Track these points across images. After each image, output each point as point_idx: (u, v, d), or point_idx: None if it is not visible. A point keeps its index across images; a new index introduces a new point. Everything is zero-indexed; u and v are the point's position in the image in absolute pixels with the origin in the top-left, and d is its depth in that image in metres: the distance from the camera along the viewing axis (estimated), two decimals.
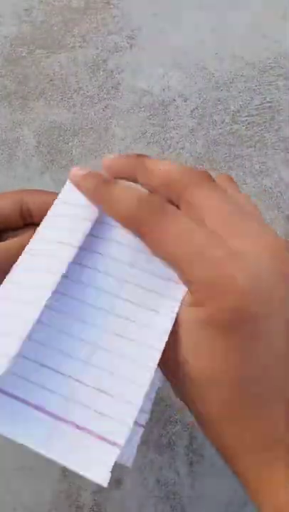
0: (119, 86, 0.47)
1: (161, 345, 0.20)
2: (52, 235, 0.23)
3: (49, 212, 0.24)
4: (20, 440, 0.19)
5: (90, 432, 0.20)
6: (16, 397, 0.21)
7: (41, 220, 0.24)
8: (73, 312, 0.22)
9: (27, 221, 0.25)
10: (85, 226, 0.23)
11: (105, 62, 0.47)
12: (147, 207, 0.20)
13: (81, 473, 0.19)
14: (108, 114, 0.46)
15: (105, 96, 0.47)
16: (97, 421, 0.20)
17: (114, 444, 0.19)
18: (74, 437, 0.20)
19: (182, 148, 0.46)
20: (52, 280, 0.21)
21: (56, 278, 0.21)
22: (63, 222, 0.23)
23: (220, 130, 0.46)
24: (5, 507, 0.42)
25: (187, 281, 0.19)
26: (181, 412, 0.42)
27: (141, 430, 0.23)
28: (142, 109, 0.46)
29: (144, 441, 0.42)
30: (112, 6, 0.48)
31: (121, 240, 0.23)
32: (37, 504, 0.42)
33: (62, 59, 0.47)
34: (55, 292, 0.21)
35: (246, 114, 0.46)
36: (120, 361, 0.21)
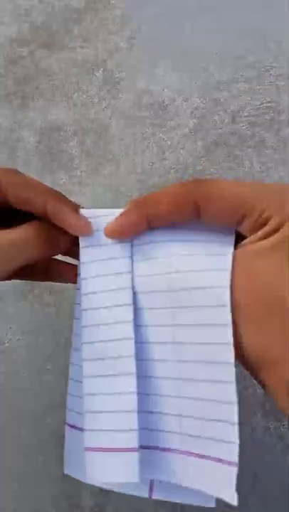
0: (119, 86, 0.47)
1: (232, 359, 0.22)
2: (101, 301, 0.24)
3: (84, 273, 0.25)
4: (160, 478, 0.23)
5: (208, 457, 0.22)
6: (148, 447, 0.24)
7: (15, 200, 0.25)
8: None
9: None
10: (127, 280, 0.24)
11: (105, 62, 0.47)
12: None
13: (214, 495, 0.22)
14: (108, 114, 0.46)
15: (105, 96, 0.47)
16: (210, 446, 0.22)
17: (230, 463, 0.21)
18: (199, 464, 0.22)
19: (182, 148, 0.46)
20: (129, 345, 0.23)
21: (131, 341, 0.23)
22: (104, 283, 0.25)
23: (220, 130, 0.46)
24: (5, 507, 0.42)
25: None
26: None
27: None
28: (142, 109, 0.46)
29: None
30: (112, 6, 0.48)
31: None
32: (37, 504, 0.42)
33: (62, 59, 0.47)
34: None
35: (246, 114, 0.46)
36: (204, 387, 0.22)
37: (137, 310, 0.24)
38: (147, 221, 0.23)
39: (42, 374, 0.44)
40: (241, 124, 0.46)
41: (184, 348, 0.23)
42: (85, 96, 0.47)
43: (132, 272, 0.24)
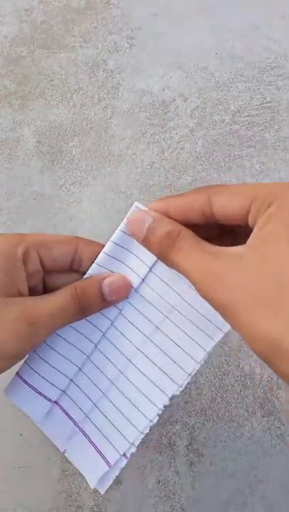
0: (119, 86, 0.47)
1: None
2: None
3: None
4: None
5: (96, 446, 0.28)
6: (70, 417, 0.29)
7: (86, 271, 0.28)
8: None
9: (73, 268, 0.27)
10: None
11: (105, 62, 0.47)
12: None
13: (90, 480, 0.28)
14: (108, 114, 0.46)
15: (105, 96, 0.47)
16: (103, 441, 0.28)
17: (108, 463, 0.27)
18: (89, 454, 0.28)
19: (182, 148, 0.46)
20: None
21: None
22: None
23: (220, 130, 0.46)
24: (5, 507, 0.42)
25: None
26: (181, 412, 0.42)
27: (124, 461, 0.28)
28: (142, 109, 0.46)
29: (144, 441, 0.42)
30: (112, 6, 0.48)
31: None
32: (37, 504, 0.42)
33: (62, 59, 0.47)
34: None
35: (246, 114, 0.46)
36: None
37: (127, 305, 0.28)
38: (166, 210, 0.25)
39: None
40: (241, 124, 0.46)
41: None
42: (85, 96, 0.47)
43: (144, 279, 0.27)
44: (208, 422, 0.42)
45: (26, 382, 0.28)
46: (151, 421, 0.27)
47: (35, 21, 0.48)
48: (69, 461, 0.43)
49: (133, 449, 0.27)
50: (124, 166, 0.46)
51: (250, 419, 0.42)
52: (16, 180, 0.46)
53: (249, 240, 0.22)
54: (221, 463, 0.42)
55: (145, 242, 0.25)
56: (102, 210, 0.45)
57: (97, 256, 0.27)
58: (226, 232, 0.27)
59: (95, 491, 0.42)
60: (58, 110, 0.47)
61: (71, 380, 0.28)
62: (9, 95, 0.47)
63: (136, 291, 0.27)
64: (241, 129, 0.46)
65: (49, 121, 0.46)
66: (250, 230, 0.23)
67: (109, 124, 0.46)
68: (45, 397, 0.28)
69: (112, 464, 0.27)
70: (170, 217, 0.25)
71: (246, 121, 0.46)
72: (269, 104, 0.46)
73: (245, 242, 0.23)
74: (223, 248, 0.23)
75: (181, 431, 0.42)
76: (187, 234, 0.24)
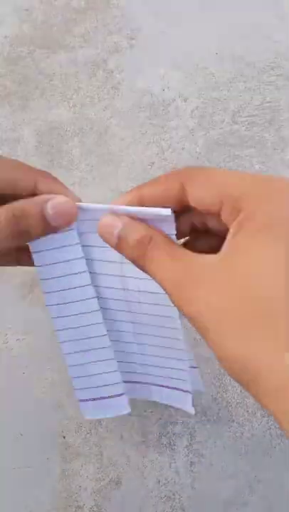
0: (119, 86, 0.47)
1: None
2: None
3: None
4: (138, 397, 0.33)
5: (169, 387, 0.32)
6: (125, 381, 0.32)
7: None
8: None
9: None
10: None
11: (105, 62, 0.47)
12: None
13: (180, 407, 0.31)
14: (108, 114, 0.46)
15: (105, 96, 0.47)
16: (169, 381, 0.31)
17: (185, 391, 0.31)
18: (164, 391, 0.32)
19: (182, 148, 0.46)
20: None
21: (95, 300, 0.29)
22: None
23: (220, 130, 0.46)
24: (5, 507, 0.42)
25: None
26: (181, 412, 0.42)
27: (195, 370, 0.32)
28: (142, 109, 0.46)
29: (144, 441, 0.42)
30: (112, 6, 0.48)
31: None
32: (37, 504, 0.42)
33: (63, 59, 0.47)
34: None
35: (246, 114, 0.46)
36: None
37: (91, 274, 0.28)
38: (140, 200, 0.24)
39: (42, 374, 0.44)
40: (241, 124, 0.46)
41: (138, 296, 0.28)
42: (85, 96, 0.47)
43: (83, 257, 0.27)
44: (208, 422, 0.42)
45: (93, 399, 0.30)
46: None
47: (35, 21, 0.48)
48: (69, 461, 0.43)
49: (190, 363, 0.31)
50: (124, 166, 0.46)
51: (251, 419, 0.42)
52: None
53: (222, 248, 0.21)
54: (221, 463, 0.42)
55: (117, 249, 0.24)
56: None
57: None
58: (196, 228, 0.25)
59: (95, 491, 0.42)
60: (57, 110, 0.47)
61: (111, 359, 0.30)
62: (9, 95, 0.47)
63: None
64: (241, 129, 0.46)
65: (49, 121, 0.46)
66: (221, 225, 0.22)
67: (109, 124, 0.46)
68: (116, 395, 0.30)
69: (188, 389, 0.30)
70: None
71: (246, 121, 0.46)
72: (269, 104, 0.46)
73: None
74: (195, 256, 0.21)
75: (181, 431, 0.42)
76: (158, 239, 0.23)
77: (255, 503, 0.42)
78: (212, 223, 0.24)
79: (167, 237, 0.23)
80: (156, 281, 0.22)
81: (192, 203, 0.22)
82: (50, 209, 0.23)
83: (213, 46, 0.47)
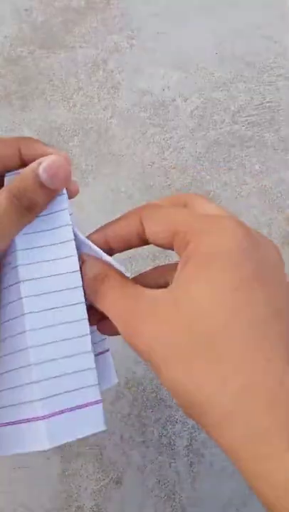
0: (119, 86, 0.47)
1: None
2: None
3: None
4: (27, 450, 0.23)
5: (71, 409, 0.22)
6: (15, 422, 0.23)
7: None
8: None
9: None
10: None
11: (105, 62, 0.47)
12: None
13: (84, 435, 0.22)
14: (108, 114, 0.46)
15: (105, 96, 0.47)
16: (68, 398, 0.22)
17: (96, 402, 0.23)
18: (69, 417, 0.22)
19: (182, 148, 0.46)
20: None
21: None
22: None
23: (220, 130, 0.46)
24: (5, 507, 0.42)
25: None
26: (181, 411, 0.42)
27: (108, 354, 0.25)
28: (142, 109, 0.46)
29: (144, 441, 0.42)
30: (112, 6, 0.48)
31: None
32: (37, 504, 0.42)
33: (62, 59, 0.47)
34: None
35: (246, 114, 0.46)
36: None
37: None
38: (106, 241, 0.24)
39: None
40: (241, 124, 0.46)
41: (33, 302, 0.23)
42: (85, 96, 0.47)
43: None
44: None
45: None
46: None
47: (35, 21, 0.48)
48: (69, 461, 0.43)
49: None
50: (124, 166, 0.46)
51: None
52: None
53: (172, 282, 0.21)
54: (221, 463, 0.42)
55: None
56: (102, 210, 0.45)
57: (39, 157, 0.23)
58: None
59: (95, 491, 0.42)
60: (58, 110, 0.47)
61: None
62: (9, 95, 0.47)
63: None
64: (241, 129, 0.46)
65: (49, 121, 0.46)
66: None
67: (109, 124, 0.46)
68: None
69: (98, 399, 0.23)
70: (111, 247, 0.24)
71: (246, 121, 0.46)
72: (269, 104, 0.46)
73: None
74: (143, 291, 0.21)
75: (181, 431, 0.42)
76: (112, 277, 0.23)
77: (255, 503, 0.42)
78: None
79: (123, 275, 0.23)
80: (110, 318, 0.22)
81: (148, 238, 0.23)
82: (43, 173, 0.22)
83: (213, 46, 0.47)
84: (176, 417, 0.43)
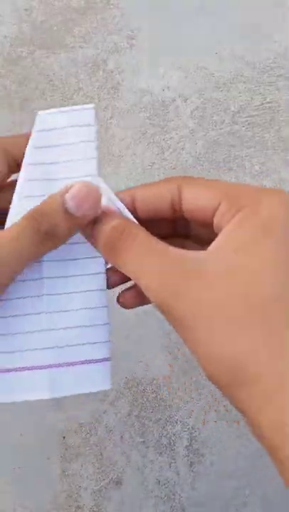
0: (119, 86, 0.47)
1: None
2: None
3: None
4: (26, 398, 0.22)
5: (78, 363, 0.22)
6: (25, 368, 0.22)
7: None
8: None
9: (15, 170, 0.24)
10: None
11: (105, 62, 0.47)
12: None
13: (88, 391, 0.22)
14: (108, 114, 0.46)
15: (105, 96, 0.47)
16: (76, 351, 0.22)
17: (104, 360, 0.22)
18: (74, 371, 0.22)
19: (182, 148, 0.46)
20: None
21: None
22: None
23: (220, 130, 0.46)
24: (5, 507, 0.42)
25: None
26: (181, 412, 0.42)
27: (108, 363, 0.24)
28: (142, 109, 0.46)
29: (144, 441, 0.42)
30: (112, 6, 0.48)
31: None
32: (37, 504, 0.42)
33: (63, 59, 0.47)
34: None
35: (246, 114, 0.46)
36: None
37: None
38: (132, 204, 0.23)
39: None
40: (241, 125, 0.46)
41: (53, 265, 0.23)
42: (85, 96, 0.47)
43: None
44: (208, 422, 0.42)
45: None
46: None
47: (35, 21, 0.48)
48: (69, 461, 0.43)
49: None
50: (124, 166, 0.46)
51: None
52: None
53: (214, 246, 0.20)
54: (221, 463, 0.42)
55: (91, 233, 0.22)
56: None
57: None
58: (177, 234, 0.24)
59: (95, 491, 0.42)
60: None
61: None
62: (9, 95, 0.47)
63: None
64: (241, 130, 0.46)
65: None
66: (206, 234, 0.21)
67: (109, 124, 0.46)
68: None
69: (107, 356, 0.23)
70: (136, 210, 0.22)
71: (246, 121, 0.46)
72: (269, 105, 0.46)
73: (197, 248, 0.21)
74: (184, 252, 0.20)
75: (181, 431, 0.42)
76: (141, 231, 0.21)
77: (255, 503, 0.42)
78: (195, 231, 0.24)
79: (147, 231, 0.21)
80: (129, 275, 0.20)
81: (186, 205, 0.22)
82: (70, 200, 0.21)
83: (213, 46, 0.47)
84: (176, 417, 0.43)
